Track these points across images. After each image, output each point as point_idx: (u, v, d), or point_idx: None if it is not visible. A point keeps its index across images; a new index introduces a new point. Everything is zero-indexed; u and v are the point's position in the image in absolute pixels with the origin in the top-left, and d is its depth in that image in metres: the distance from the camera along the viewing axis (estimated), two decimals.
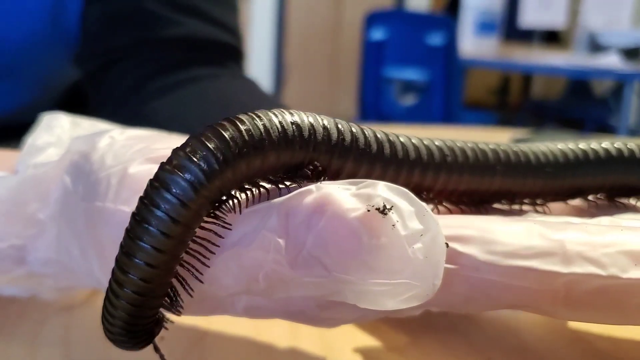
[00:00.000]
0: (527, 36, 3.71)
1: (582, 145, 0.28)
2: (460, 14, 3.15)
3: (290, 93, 5.29)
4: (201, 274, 0.22)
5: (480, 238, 0.22)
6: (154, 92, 0.59)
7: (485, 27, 3.07)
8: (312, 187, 0.21)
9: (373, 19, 2.83)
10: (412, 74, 2.80)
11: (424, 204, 0.21)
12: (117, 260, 0.22)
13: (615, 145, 0.29)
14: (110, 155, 0.26)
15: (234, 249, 0.22)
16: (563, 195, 0.28)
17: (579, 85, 3.82)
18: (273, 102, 0.62)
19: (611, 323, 0.23)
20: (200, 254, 0.22)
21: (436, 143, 0.26)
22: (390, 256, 0.20)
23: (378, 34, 2.81)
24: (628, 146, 0.29)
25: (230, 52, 0.65)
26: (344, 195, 0.20)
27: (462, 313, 0.25)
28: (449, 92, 2.70)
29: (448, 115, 2.73)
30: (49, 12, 0.61)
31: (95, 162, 0.26)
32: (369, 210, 0.20)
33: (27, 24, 0.61)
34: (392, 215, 0.20)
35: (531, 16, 3.43)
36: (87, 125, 0.34)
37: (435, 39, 2.67)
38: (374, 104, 2.91)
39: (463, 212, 0.27)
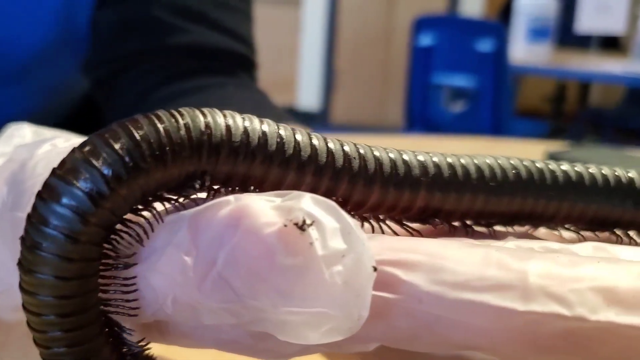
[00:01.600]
0: (583, 42, 3.61)
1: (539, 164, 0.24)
2: (512, 19, 3.08)
3: (339, 100, 5.28)
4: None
5: (429, 264, 0.19)
6: (158, 101, 0.58)
7: (538, 33, 2.99)
8: (231, 197, 0.18)
9: (421, 25, 2.79)
10: (460, 81, 2.75)
11: (353, 221, 0.18)
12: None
13: (602, 171, 0.24)
14: (43, 163, 0.24)
15: (142, 266, 0.19)
16: (510, 218, 0.24)
17: (639, 93, 3.68)
18: (279, 114, 0.60)
19: None
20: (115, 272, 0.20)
21: (390, 155, 0.22)
22: (305, 280, 0.17)
23: (426, 40, 2.77)
24: (621, 174, 0.25)
25: (241, 61, 0.63)
26: (263, 207, 0.18)
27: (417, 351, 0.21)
28: (498, 99, 2.64)
29: (497, 123, 2.66)
30: (60, 18, 0.61)
31: (27, 171, 0.24)
32: (286, 225, 0.17)
33: (38, 30, 0.60)
34: (312, 231, 0.17)
35: (588, 21, 3.33)
36: (50, 135, 0.33)
37: (485, 45, 2.61)
38: (421, 111, 2.86)
39: (427, 234, 0.24)
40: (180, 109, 0.19)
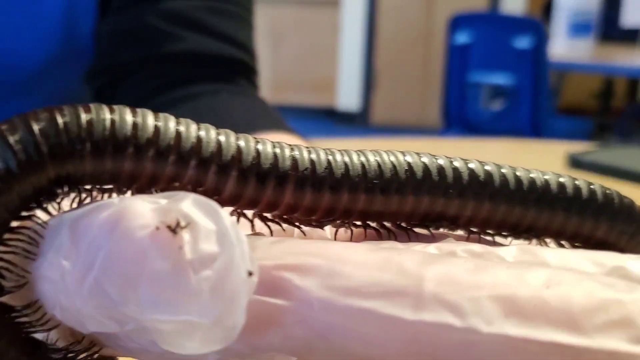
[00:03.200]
0: (629, 36, 3.50)
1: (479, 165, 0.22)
2: (553, 15, 3.01)
3: (379, 100, 5.26)
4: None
5: (325, 269, 0.17)
6: (153, 109, 0.58)
7: (579, 28, 2.92)
8: (115, 199, 0.18)
9: (458, 23, 2.75)
10: (498, 79, 2.70)
11: (232, 223, 0.17)
12: None
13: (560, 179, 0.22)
14: None
15: (35, 272, 0.19)
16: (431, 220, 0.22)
17: None
18: (274, 120, 0.59)
19: None
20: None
21: (304, 152, 0.20)
22: (173, 286, 0.16)
23: (463, 38, 2.73)
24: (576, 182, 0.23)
25: (239, 68, 0.63)
26: (142, 209, 0.17)
27: None
28: (537, 98, 2.58)
29: (536, 122, 2.60)
30: (63, 30, 0.62)
31: None
32: (158, 228, 0.16)
33: (41, 42, 0.61)
34: (184, 234, 0.16)
35: (635, 15, 3.23)
36: None
37: (523, 42, 2.56)
38: (458, 111, 2.82)
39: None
40: (63, 108, 0.19)
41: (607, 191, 0.24)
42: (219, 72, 0.61)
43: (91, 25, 0.63)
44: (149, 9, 0.60)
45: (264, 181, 0.20)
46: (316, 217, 0.21)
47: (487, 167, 0.22)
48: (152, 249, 0.16)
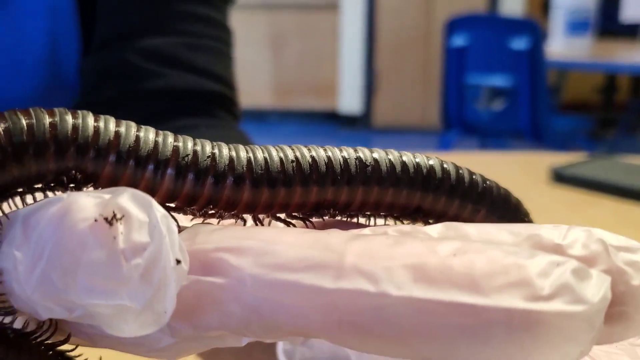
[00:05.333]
0: (630, 31, 3.49)
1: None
2: (550, 13, 3.01)
3: (380, 103, 5.27)
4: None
5: (259, 249, 0.19)
6: None
7: (577, 26, 2.92)
8: (64, 195, 0.19)
9: (454, 26, 2.76)
10: (496, 80, 2.71)
11: (162, 215, 0.18)
12: None
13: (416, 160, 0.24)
14: None
15: None
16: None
17: None
18: None
19: (396, 355, 0.19)
20: None
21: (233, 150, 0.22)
22: (107, 273, 0.18)
23: (459, 40, 2.74)
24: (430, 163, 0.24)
25: (218, 100, 0.64)
26: (86, 203, 0.18)
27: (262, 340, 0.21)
28: (535, 98, 2.58)
29: (535, 122, 2.61)
30: (47, 67, 0.63)
31: None
32: (96, 220, 0.18)
33: (25, 79, 0.63)
34: (119, 225, 0.18)
35: (634, 9, 3.22)
36: None
37: (520, 43, 2.56)
38: (457, 112, 2.83)
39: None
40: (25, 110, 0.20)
41: (488, 181, 0.26)
42: (198, 106, 0.63)
43: (75, 62, 0.64)
44: (128, 46, 0.62)
45: (199, 178, 0.22)
46: (237, 211, 0.23)
47: (375, 155, 0.24)
48: (90, 239, 0.18)
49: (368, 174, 0.24)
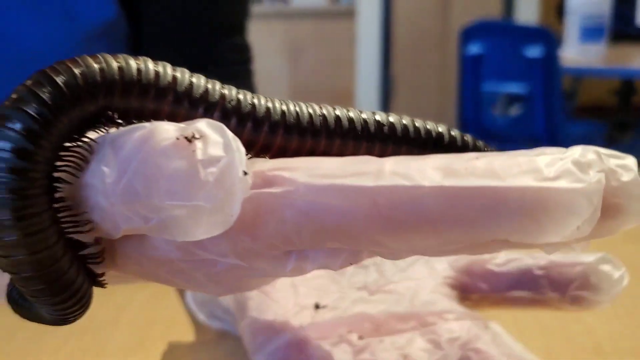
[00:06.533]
0: None
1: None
2: (564, 20, 3.03)
3: (397, 108, 5.29)
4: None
5: (308, 167, 0.23)
6: None
7: (591, 32, 2.93)
8: (147, 124, 0.22)
9: (469, 34, 2.80)
10: (511, 88, 2.74)
11: (233, 137, 0.21)
12: None
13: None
14: None
15: (82, 181, 0.22)
16: None
17: None
18: None
19: (426, 246, 0.21)
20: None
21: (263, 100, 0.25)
22: (187, 179, 0.21)
23: (475, 48, 2.77)
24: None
25: None
26: (168, 128, 0.22)
27: (300, 248, 0.23)
28: (551, 104, 2.61)
29: (551, 128, 2.64)
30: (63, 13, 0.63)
31: None
32: (178, 139, 0.21)
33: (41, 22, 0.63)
34: (198, 142, 0.21)
35: None
36: None
37: (534, 51, 2.60)
38: (474, 118, 2.87)
39: None
40: (82, 58, 0.22)
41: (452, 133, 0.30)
42: None
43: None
44: None
45: (244, 123, 0.25)
46: (270, 155, 0.26)
47: (391, 118, 0.28)
48: (172, 152, 0.21)
49: (386, 132, 0.27)
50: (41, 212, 0.21)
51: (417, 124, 0.28)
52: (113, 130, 0.23)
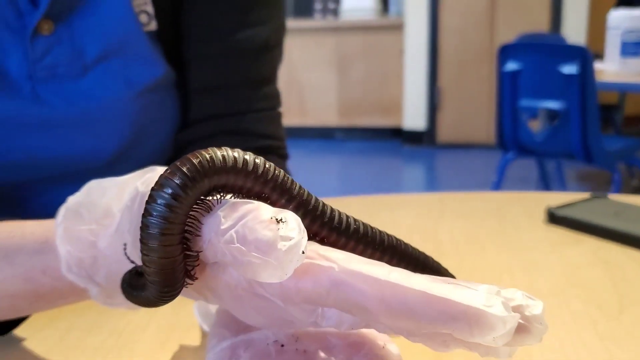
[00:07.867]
0: None
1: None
2: (606, 35, 3.03)
3: (444, 119, 5.31)
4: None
5: (343, 257, 0.30)
6: None
7: (632, 47, 2.92)
8: (255, 201, 0.30)
9: (506, 51, 2.85)
10: (547, 103, 2.78)
11: (303, 227, 0.29)
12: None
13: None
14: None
15: (204, 221, 0.30)
16: None
17: None
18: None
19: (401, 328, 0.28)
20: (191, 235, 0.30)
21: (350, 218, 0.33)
22: (268, 244, 0.28)
23: (512, 65, 2.83)
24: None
25: (270, 150, 0.73)
26: (267, 209, 0.29)
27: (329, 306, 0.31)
28: (586, 120, 2.65)
29: (586, 144, 2.67)
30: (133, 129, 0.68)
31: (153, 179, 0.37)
32: (271, 218, 0.29)
33: (116, 138, 0.68)
34: (282, 224, 0.29)
35: None
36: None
37: (570, 68, 2.63)
38: (512, 134, 2.91)
39: None
40: (208, 150, 0.29)
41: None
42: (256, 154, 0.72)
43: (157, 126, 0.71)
44: (217, 125, 0.71)
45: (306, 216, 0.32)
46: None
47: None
48: (266, 225, 0.28)
49: (391, 248, 0.35)
50: (175, 234, 0.29)
51: (411, 250, 0.36)
52: (229, 197, 0.31)
